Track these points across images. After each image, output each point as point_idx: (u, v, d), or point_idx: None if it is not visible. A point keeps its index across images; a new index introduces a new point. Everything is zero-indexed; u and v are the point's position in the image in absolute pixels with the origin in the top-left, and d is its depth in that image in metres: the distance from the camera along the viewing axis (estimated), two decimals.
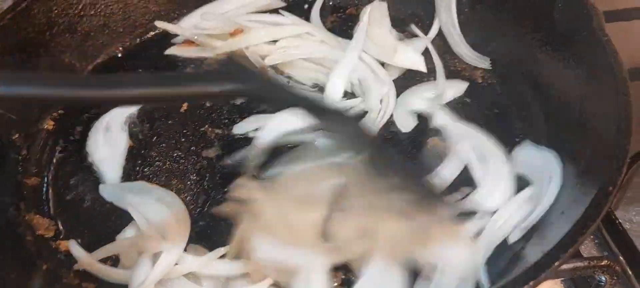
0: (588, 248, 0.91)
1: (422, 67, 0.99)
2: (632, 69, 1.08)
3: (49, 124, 0.98)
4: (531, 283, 0.57)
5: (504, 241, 0.78)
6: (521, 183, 0.84)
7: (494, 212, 0.80)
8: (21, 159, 0.92)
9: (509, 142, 0.90)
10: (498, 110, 0.98)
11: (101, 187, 0.88)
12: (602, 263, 0.78)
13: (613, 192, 0.64)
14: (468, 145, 0.88)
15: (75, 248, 0.80)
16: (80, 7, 1.05)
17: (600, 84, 0.80)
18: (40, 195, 0.89)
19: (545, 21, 0.95)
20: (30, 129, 0.96)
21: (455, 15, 1.04)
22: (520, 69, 1.00)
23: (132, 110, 0.99)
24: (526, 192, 0.82)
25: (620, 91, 0.75)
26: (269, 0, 1.15)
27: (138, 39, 1.13)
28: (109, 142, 0.95)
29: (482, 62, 1.01)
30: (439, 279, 0.72)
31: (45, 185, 0.91)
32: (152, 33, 1.14)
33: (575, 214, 0.66)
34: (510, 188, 0.83)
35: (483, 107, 0.99)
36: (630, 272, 0.85)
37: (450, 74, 1.04)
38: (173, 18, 1.15)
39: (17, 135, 0.93)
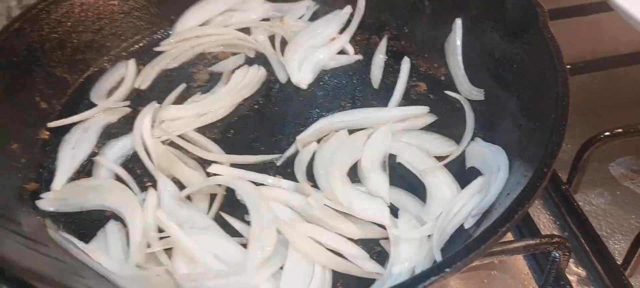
0: (549, 229, 0.98)
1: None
2: (588, 61, 1.17)
3: (44, 134, 1.05)
4: (473, 255, 0.64)
5: (461, 227, 0.86)
6: (473, 175, 0.92)
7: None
8: (20, 167, 0.99)
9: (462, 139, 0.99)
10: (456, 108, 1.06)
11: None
12: (554, 241, 0.83)
13: (547, 174, 0.71)
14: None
15: None
16: (69, 24, 1.13)
17: (544, 77, 0.88)
18: (39, 198, 0.96)
19: (501, 21, 1.03)
20: (27, 139, 1.03)
21: (460, 58, 1.11)
22: (485, 66, 1.07)
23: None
24: (477, 182, 0.90)
25: (559, 82, 0.82)
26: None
27: (124, 53, 1.21)
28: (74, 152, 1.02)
29: (478, 95, 1.06)
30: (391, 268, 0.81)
31: (42, 190, 0.98)
32: (137, 46, 1.22)
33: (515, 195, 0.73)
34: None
35: (443, 103, 1.07)
36: (588, 249, 0.93)
37: (416, 75, 1.13)
38: (155, 31, 1.23)
39: (15, 146, 1.00)
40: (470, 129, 0.99)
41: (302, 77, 1.12)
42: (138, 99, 1.13)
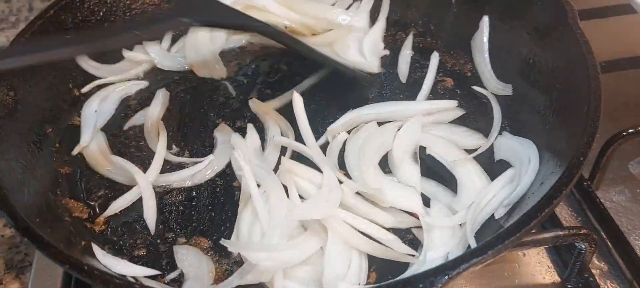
0: (571, 223, 0.99)
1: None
2: (609, 61, 1.19)
3: (76, 120, 1.07)
4: (507, 242, 0.65)
5: (491, 217, 0.87)
6: (502, 168, 0.93)
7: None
8: (55, 151, 1.01)
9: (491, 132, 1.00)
10: (483, 103, 1.07)
11: None
12: (581, 232, 0.84)
13: (583, 161, 0.73)
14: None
15: None
16: (102, 13, 1.15)
17: (574, 72, 0.90)
18: (73, 181, 0.98)
19: (527, 18, 1.05)
20: (61, 124, 1.05)
21: (487, 55, 1.12)
22: (512, 63, 1.08)
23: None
24: (507, 173, 0.91)
25: (591, 76, 0.84)
26: None
27: None
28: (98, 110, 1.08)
29: (505, 91, 1.07)
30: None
31: (78, 173, 1.00)
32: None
33: (551, 184, 0.75)
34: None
35: (470, 99, 1.08)
36: (610, 245, 0.94)
37: (442, 71, 1.15)
38: None
39: (50, 130, 1.02)
40: (498, 122, 1.01)
41: (372, 63, 1.14)
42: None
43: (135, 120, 1.08)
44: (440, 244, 0.83)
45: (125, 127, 1.07)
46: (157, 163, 0.99)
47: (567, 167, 0.73)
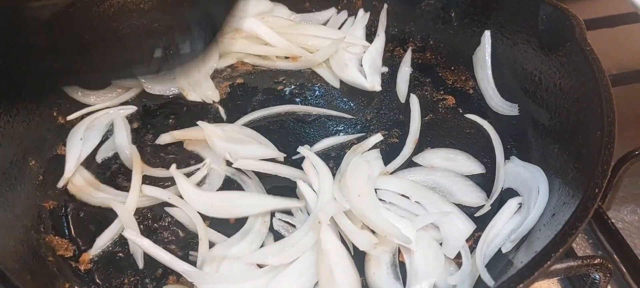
0: (582, 247, 0.96)
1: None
2: (616, 74, 1.15)
3: (61, 149, 1.02)
4: (526, 282, 0.61)
5: (498, 250, 0.83)
6: (509, 195, 0.89)
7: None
8: (39, 184, 0.96)
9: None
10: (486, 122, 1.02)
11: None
12: (596, 262, 0.78)
13: (598, 194, 0.68)
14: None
15: None
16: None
17: (585, 92, 0.85)
18: (58, 216, 0.93)
19: (531, 32, 1.00)
20: (44, 154, 1.00)
21: (490, 71, 1.07)
22: (516, 80, 1.04)
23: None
24: (513, 202, 0.87)
25: (604, 98, 0.79)
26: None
27: None
28: (84, 137, 1.03)
29: (511, 110, 1.03)
30: None
31: (63, 206, 0.95)
32: None
33: (564, 217, 0.70)
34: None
35: (472, 120, 1.04)
36: (624, 269, 0.90)
37: (443, 88, 1.09)
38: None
39: (33, 162, 0.97)
40: (500, 153, 0.96)
41: (373, 81, 1.10)
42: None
43: (106, 151, 1.03)
44: (424, 276, 0.79)
45: (98, 160, 1.02)
46: (134, 192, 0.94)
47: (582, 200, 0.68)
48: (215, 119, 1.08)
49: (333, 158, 0.99)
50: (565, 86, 0.91)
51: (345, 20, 1.22)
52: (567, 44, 0.92)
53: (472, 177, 0.94)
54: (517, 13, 1.03)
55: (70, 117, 1.06)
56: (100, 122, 1.06)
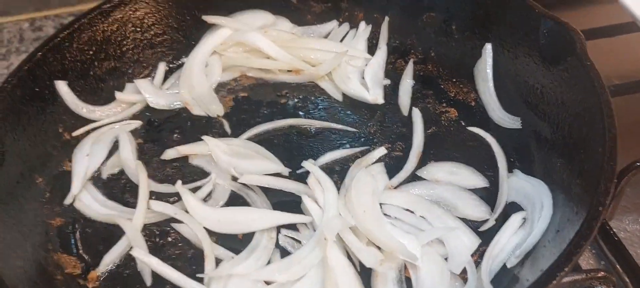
0: (585, 257, 0.96)
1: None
2: (617, 85, 1.15)
3: (67, 165, 1.03)
4: None
5: (503, 266, 0.84)
6: (513, 209, 0.90)
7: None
8: (45, 202, 0.97)
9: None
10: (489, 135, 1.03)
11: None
12: (599, 275, 0.79)
13: (602, 212, 0.69)
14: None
15: None
16: (92, 52, 1.10)
17: (587, 107, 0.86)
18: (65, 233, 0.94)
19: (533, 46, 1.01)
20: (50, 171, 1.01)
21: (491, 84, 1.08)
22: (518, 93, 1.04)
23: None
24: (517, 217, 0.87)
25: (605, 114, 0.80)
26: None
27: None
28: (91, 153, 1.03)
29: (513, 123, 1.03)
30: None
31: (70, 224, 0.95)
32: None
33: (569, 234, 0.71)
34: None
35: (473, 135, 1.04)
36: (627, 280, 0.91)
37: (445, 100, 1.10)
38: (178, 57, 1.21)
39: (40, 179, 0.98)
40: (503, 166, 0.96)
41: (375, 94, 1.11)
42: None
43: (112, 167, 1.04)
44: None
45: (104, 176, 1.03)
46: (141, 208, 0.95)
47: (586, 218, 0.69)
48: (220, 133, 1.09)
49: (337, 172, 1.00)
50: (567, 100, 0.92)
51: (347, 33, 1.23)
52: (568, 59, 0.93)
53: (475, 191, 0.95)
54: (518, 27, 1.03)
55: (75, 133, 1.06)
56: (106, 137, 1.07)
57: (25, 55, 1.41)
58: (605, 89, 0.84)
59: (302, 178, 0.99)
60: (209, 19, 1.19)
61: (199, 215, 0.93)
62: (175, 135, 1.09)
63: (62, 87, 1.06)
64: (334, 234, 0.84)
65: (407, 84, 1.13)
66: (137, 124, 1.11)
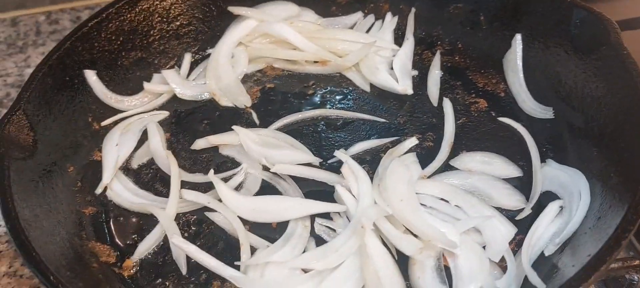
0: None
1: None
2: None
3: (97, 155, 1.03)
4: (583, 285, 0.62)
5: (541, 254, 0.84)
6: (549, 199, 0.90)
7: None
8: (77, 190, 0.97)
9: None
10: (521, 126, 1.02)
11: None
12: (635, 263, 0.77)
13: None
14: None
15: None
16: (119, 42, 1.10)
17: (623, 98, 0.86)
18: (98, 222, 0.94)
19: (565, 36, 1.00)
20: (81, 160, 1.01)
21: (521, 74, 1.07)
22: (549, 84, 1.04)
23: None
24: (554, 205, 0.87)
25: None
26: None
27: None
28: (120, 143, 1.04)
29: (545, 113, 1.03)
30: None
31: (102, 213, 0.95)
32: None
33: (612, 221, 0.71)
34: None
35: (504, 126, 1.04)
36: None
37: (474, 91, 1.10)
38: (204, 48, 1.21)
39: (71, 168, 0.98)
40: (536, 156, 0.96)
41: (405, 85, 1.11)
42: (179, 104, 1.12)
43: (141, 156, 1.04)
44: (470, 280, 0.80)
45: (134, 165, 1.03)
46: (174, 197, 0.94)
47: (631, 204, 0.69)
48: (248, 123, 1.08)
49: (368, 162, 0.99)
50: (602, 91, 0.92)
51: (373, 24, 1.23)
52: (602, 48, 0.93)
53: (509, 180, 0.94)
54: (549, 17, 1.03)
55: (104, 123, 1.06)
56: (134, 127, 1.07)
57: (42, 48, 1.45)
58: None
59: (333, 168, 0.99)
60: (234, 10, 1.19)
61: (232, 204, 0.92)
62: (204, 125, 1.09)
63: (91, 77, 1.06)
64: (371, 223, 0.84)
65: (435, 74, 1.13)
66: (165, 114, 1.11)
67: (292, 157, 1.00)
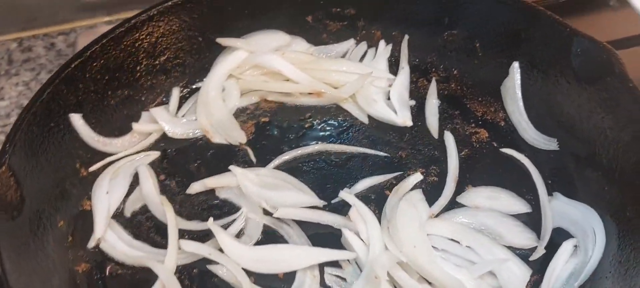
0: None
1: None
2: None
3: (87, 204, 0.97)
4: None
5: None
6: (560, 235, 0.89)
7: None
8: (69, 246, 0.91)
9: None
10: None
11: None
12: None
13: None
14: None
15: None
16: (105, 80, 1.04)
17: (634, 132, 0.85)
18: (93, 280, 0.89)
19: (566, 65, 0.99)
20: (71, 212, 0.95)
21: (521, 103, 1.06)
22: (550, 113, 1.03)
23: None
24: (568, 245, 0.86)
25: None
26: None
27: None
28: (110, 190, 0.98)
29: (549, 145, 1.01)
30: None
31: (96, 269, 0.90)
32: None
33: (635, 275, 0.70)
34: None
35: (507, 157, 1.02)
36: None
37: (474, 120, 1.08)
38: (192, 81, 1.16)
39: (62, 222, 0.92)
40: (543, 190, 0.95)
41: (404, 116, 1.08)
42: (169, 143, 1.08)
43: (134, 203, 0.99)
44: None
45: (127, 213, 0.98)
46: (172, 249, 0.90)
47: None
48: (244, 161, 1.04)
49: (373, 201, 0.97)
50: (609, 122, 0.91)
51: (366, 52, 1.20)
52: (606, 79, 0.92)
53: (518, 216, 0.93)
54: (548, 45, 1.02)
55: (92, 168, 1.01)
56: (124, 171, 1.02)
57: (15, 78, 1.37)
58: None
59: (338, 208, 0.96)
60: (223, 41, 1.15)
61: (235, 255, 0.88)
62: (197, 165, 1.04)
63: (77, 120, 1.00)
64: (385, 272, 0.81)
65: (432, 104, 1.11)
66: (155, 155, 1.06)
67: (294, 200, 0.96)
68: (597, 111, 0.94)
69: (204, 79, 1.14)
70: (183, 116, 1.12)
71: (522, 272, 0.84)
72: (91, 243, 0.92)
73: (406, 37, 1.18)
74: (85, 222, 0.95)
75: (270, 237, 0.94)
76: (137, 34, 1.07)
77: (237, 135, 1.07)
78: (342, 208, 0.95)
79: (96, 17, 1.53)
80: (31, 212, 0.87)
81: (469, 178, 0.99)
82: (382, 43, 1.19)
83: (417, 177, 0.98)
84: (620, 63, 0.92)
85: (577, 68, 0.97)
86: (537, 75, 1.05)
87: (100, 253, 0.92)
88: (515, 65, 1.07)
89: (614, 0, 1.39)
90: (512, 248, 0.89)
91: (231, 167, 0.99)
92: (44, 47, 1.48)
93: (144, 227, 0.96)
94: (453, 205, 0.96)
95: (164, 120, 1.07)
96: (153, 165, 1.04)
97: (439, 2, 1.12)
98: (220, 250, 0.89)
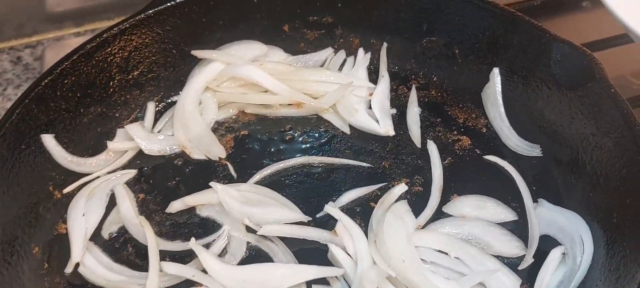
0: None
1: None
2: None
3: (62, 228, 0.94)
4: None
5: None
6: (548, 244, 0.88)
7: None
8: (45, 273, 0.87)
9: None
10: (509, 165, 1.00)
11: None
12: None
13: None
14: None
15: None
16: (77, 97, 1.01)
17: (617, 138, 0.85)
18: None
19: (546, 71, 0.99)
20: (45, 236, 0.91)
21: (502, 110, 1.05)
22: (531, 119, 1.03)
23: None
24: (556, 253, 0.86)
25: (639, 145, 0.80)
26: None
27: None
28: (86, 212, 0.95)
29: (532, 151, 1.01)
30: None
31: None
32: None
33: (628, 273, 0.70)
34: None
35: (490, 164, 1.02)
36: None
37: (456, 127, 1.08)
38: (168, 95, 1.13)
39: (36, 249, 0.88)
40: (528, 197, 0.94)
41: (386, 126, 1.07)
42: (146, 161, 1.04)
43: (111, 224, 0.96)
44: None
45: (105, 236, 0.94)
46: (153, 272, 0.87)
47: None
48: (225, 177, 1.02)
49: (358, 214, 0.95)
50: (591, 128, 0.91)
51: (345, 60, 1.18)
52: (588, 85, 0.92)
53: (504, 224, 0.92)
54: (528, 51, 1.02)
55: (67, 190, 0.97)
56: (100, 191, 0.98)
57: None
58: (635, 118, 0.83)
59: (323, 222, 0.94)
60: (198, 53, 1.12)
61: (219, 276, 0.86)
62: (175, 183, 1.01)
63: (49, 141, 0.96)
64: (374, 287, 0.80)
65: (413, 112, 1.10)
66: (131, 173, 1.02)
67: (278, 216, 0.94)
68: (579, 117, 0.94)
69: (180, 93, 1.11)
70: (159, 132, 1.09)
71: (511, 282, 0.83)
72: (69, 269, 0.88)
73: (385, 44, 1.17)
74: (61, 246, 0.91)
75: (254, 254, 0.91)
76: (109, 49, 1.04)
77: (216, 150, 1.05)
78: (328, 223, 0.94)
79: (64, 28, 1.48)
80: (3, 241, 0.83)
81: (453, 187, 0.98)
82: (361, 51, 1.18)
83: (401, 187, 0.96)
84: (601, 68, 0.92)
85: (557, 74, 0.98)
86: (518, 81, 1.05)
87: (78, 278, 0.88)
88: (495, 71, 1.07)
89: (587, 1, 1.40)
90: (500, 258, 0.88)
91: (212, 184, 0.96)
92: (10, 61, 1.43)
93: (124, 249, 0.93)
94: (439, 215, 0.95)
95: (139, 137, 1.04)
96: (130, 184, 1.01)
97: (417, 9, 1.12)
98: (204, 271, 0.87)
